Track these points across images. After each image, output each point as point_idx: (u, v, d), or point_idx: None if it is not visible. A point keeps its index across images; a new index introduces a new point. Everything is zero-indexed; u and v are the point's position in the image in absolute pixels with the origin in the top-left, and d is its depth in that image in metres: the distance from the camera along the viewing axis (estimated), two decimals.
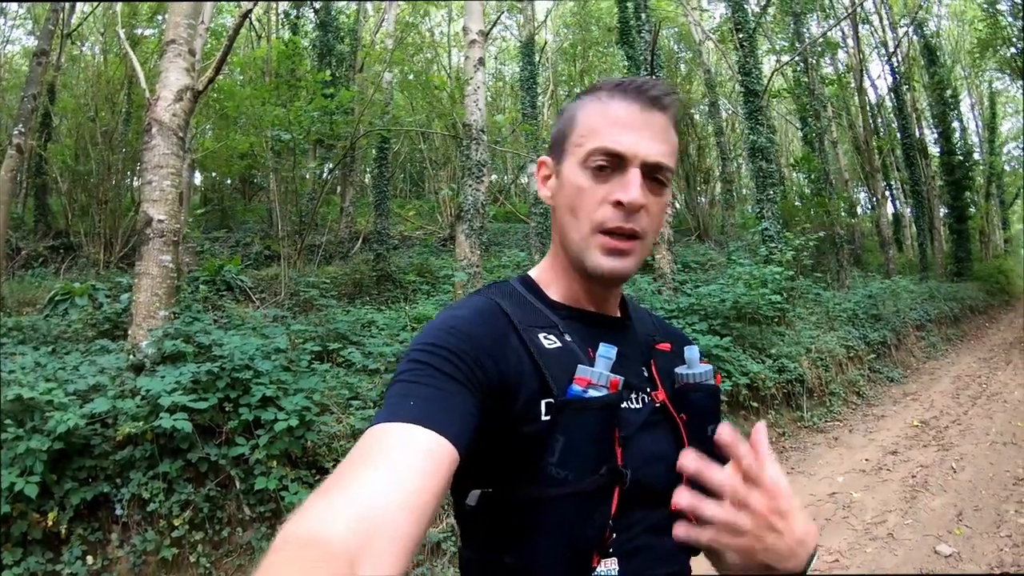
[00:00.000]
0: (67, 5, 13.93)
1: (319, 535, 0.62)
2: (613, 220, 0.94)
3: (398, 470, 0.72)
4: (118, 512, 3.69)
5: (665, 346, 1.11)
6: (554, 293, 1.06)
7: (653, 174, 0.95)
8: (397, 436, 0.76)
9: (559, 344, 0.96)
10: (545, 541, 0.86)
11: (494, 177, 22.86)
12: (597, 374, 0.89)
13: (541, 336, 0.97)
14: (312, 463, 4.36)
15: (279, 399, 4.35)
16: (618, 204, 0.94)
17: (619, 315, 1.10)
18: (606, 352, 0.91)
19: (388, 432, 0.77)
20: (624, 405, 0.95)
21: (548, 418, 0.89)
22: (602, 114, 0.96)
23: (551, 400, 0.89)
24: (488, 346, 0.91)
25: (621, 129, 0.94)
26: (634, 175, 0.93)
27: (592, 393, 0.88)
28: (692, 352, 1.05)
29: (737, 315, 8.11)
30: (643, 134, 0.94)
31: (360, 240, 15.61)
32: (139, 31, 15.79)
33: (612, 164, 0.94)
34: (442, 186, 19.93)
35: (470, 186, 8.58)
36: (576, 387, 0.89)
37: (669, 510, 0.90)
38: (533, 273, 1.11)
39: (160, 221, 5.12)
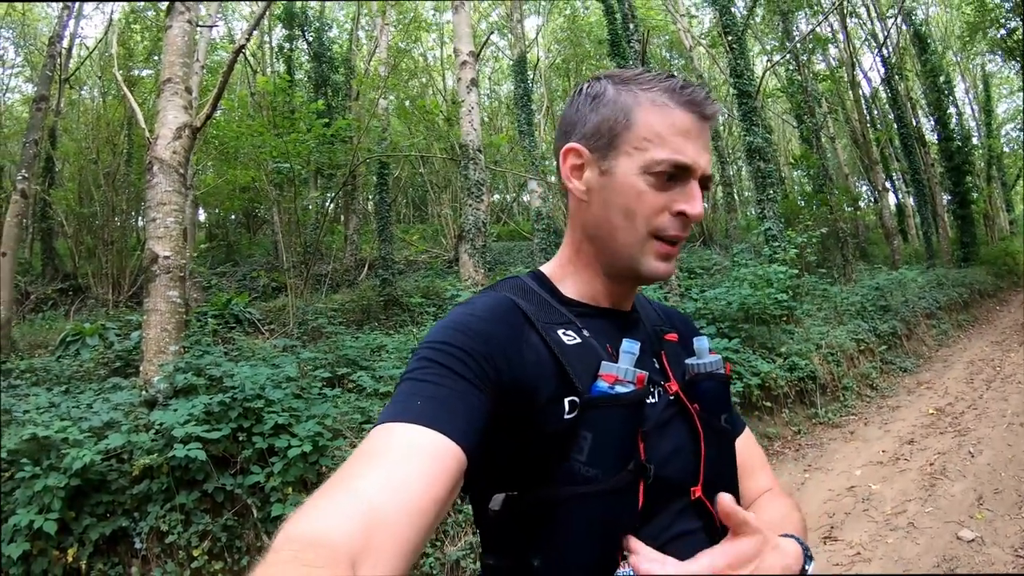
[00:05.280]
0: (64, 51, 14.14)
1: (320, 535, 0.62)
2: (673, 229, 0.96)
3: (400, 471, 0.71)
4: (137, 546, 3.70)
5: (673, 336, 1.11)
6: (569, 289, 1.04)
7: (704, 184, 0.98)
8: (401, 436, 0.76)
9: (579, 340, 0.95)
10: (577, 540, 0.84)
11: (496, 196, 22.91)
12: (623, 370, 0.89)
13: (560, 332, 0.95)
14: None
15: (292, 426, 4.37)
16: (681, 215, 0.95)
17: (629, 309, 1.09)
18: (630, 347, 0.91)
19: (393, 432, 0.77)
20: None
21: (573, 416, 0.88)
22: (667, 122, 0.95)
23: (575, 398, 0.89)
24: (502, 344, 0.89)
25: (685, 140, 0.94)
26: (696, 188, 0.95)
27: (619, 389, 0.88)
28: (702, 343, 1.06)
29: (745, 316, 8.08)
30: (700, 146, 0.96)
31: (366, 267, 15.70)
32: (136, 72, 16.04)
33: (676, 174, 0.95)
34: (445, 208, 19.99)
35: (470, 205, 8.65)
36: (602, 383, 0.88)
37: (688, 500, 0.93)
38: (546, 269, 1.09)
39: (166, 257, 5.18)
